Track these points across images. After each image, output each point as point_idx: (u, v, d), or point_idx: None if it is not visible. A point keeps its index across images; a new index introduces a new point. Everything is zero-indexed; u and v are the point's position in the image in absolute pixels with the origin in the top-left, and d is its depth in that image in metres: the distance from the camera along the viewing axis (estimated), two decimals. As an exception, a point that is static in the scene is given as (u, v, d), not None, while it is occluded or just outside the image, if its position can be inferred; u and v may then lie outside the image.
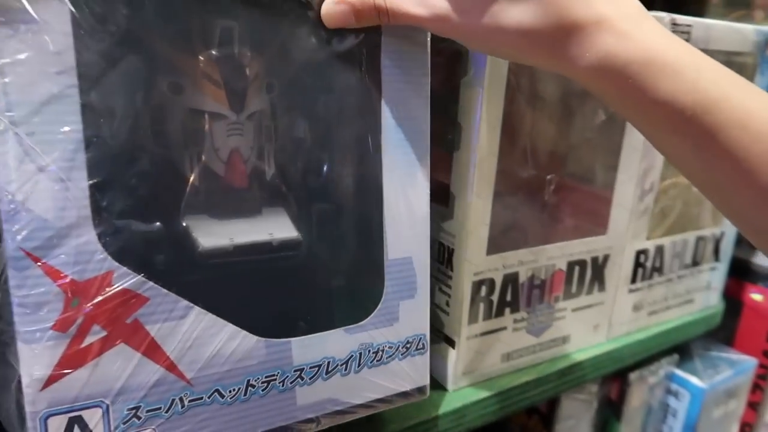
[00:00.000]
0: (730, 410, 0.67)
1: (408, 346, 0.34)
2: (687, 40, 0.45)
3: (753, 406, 0.72)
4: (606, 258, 0.48)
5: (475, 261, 0.39)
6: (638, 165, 0.48)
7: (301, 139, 0.31)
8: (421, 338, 0.34)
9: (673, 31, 0.45)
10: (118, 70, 0.24)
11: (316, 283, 0.31)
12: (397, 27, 0.30)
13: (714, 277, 0.61)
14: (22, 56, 0.22)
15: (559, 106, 0.45)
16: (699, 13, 0.73)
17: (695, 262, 0.58)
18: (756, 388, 0.71)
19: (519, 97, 0.42)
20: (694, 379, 0.62)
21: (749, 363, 0.66)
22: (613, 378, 0.60)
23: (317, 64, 0.30)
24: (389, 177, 0.32)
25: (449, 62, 0.37)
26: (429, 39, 0.32)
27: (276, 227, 0.30)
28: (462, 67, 0.36)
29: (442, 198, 0.39)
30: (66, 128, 0.23)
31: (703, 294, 0.60)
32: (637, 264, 0.51)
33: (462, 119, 0.37)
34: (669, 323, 0.57)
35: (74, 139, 0.23)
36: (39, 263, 0.23)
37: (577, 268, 0.46)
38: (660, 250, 0.54)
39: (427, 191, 0.33)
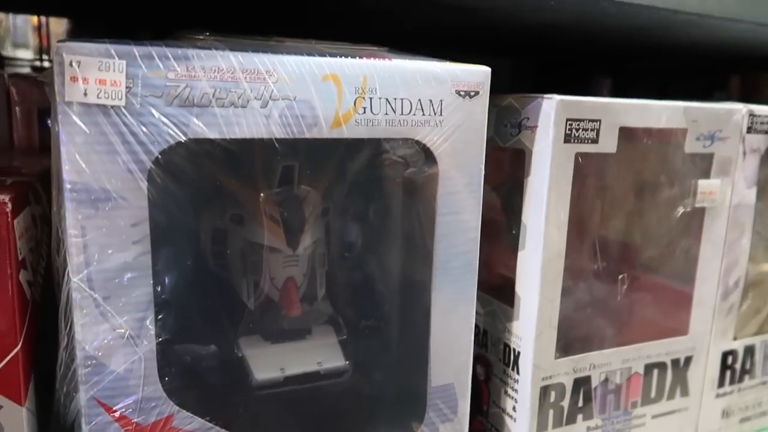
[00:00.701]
0: None
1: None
2: (766, 132, 0.44)
3: None
4: (688, 360, 0.45)
5: (543, 365, 0.37)
6: (720, 261, 0.45)
7: (352, 262, 0.33)
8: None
9: (751, 124, 0.44)
10: (187, 226, 0.27)
11: (360, 408, 0.32)
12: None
13: None
14: (102, 230, 0.25)
15: (630, 197, 0.44)
16: None
17: None
18: None
19: (587, 192, 0.41)
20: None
21: None
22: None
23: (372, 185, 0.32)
24: (436, 300, 0.33)
25: (514, 158, 0.37)
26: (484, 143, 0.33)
27: (324, 353, 0.31)
28: (526, 166, 0.36)
29: (508, 297, 0.38)
30: (137, 292, 0.25)
31: None
32: (724, 366, 0.48)
33: (526, 219, 0.37)
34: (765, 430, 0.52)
35: (145, 302, 0.26)
36: (110, 412, 0.25)
37: (656, 371, 0.43)
38: (750, 350, 0.49)
39: (473, 316, 0.34)
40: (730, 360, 0.48)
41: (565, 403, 0.39)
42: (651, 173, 0.43)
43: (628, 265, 0.44)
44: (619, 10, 0.37)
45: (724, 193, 0.44)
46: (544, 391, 0.38)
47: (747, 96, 0.72)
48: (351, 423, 0.34)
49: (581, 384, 0.40)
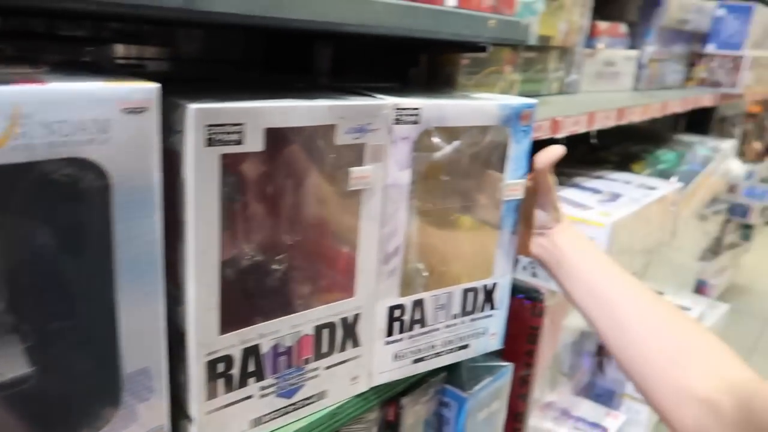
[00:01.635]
0: (494, 410, 0.78)
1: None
2: (415, 123, 0.52)
3: (522, 397, 0.88)
4: (356, 317, 0.54)
5: (207, 341, 0.42)
6: (378, 231, 0.54)
7: (36, 271, 0.35)
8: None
9: (398, 116, 0.52)
10: None
11: (49, 410, 0.35)
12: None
13: (491, 323, 0.65)
14: None
15: (292, 185, 0.50)
16: (451, 76, 0.84)
17: (467, 312, 0.63)
18: (523, 382, 0.86)
19: (247, 185, 0.46)
20: (458, 391, 0.73)
21: (506, 368, 0.78)
22: (390, 402, 0.66)
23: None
24: (123, 297, 0.38)
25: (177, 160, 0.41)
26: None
27: (5, 363, 0.33)
28: (180, 169, 0.40)
29: (176, 281, 0.42)
30: None
31: (479, 339, 0.65)
32: (392, 318, 0.57)
33: (182, 215, 0.40)
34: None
35: None
36: None
37: (326, 331, 0.51)
38: (419, 303, 0.59)
39: (161, 305, 0.40)
40: (397, 313, 0.58)
41: (235, 371, 0.45)
42: (308, 164, 0.49)
43: (291, 243, 0.51)
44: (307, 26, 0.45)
45: (377, 176, 0.52)
46: (212, 364, 0.43)
47: (432, 72, 0.85)
48: (39, 427, 0.38)
49: (250, 353, 0.46)
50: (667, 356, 0.51)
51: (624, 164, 1.25)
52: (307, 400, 0.52)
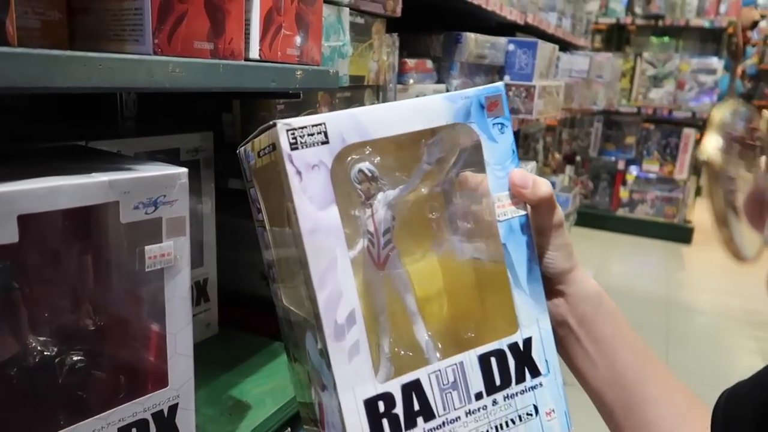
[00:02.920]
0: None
1: None
2: (324, 142, 0.38)
3: None
4: (173, 409, 0.48)
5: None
6: (189, 310, 0.49)
7: None
8: None
9: (295, 140, 0.37)
10: None
11: None
12: None
13: (542, 396, 0.45)
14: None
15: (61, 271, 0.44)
16: (266, 120, 0.83)
17: (497, 387, 0.44)
18: None
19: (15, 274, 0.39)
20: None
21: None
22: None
23: None
24: None
25: None
26: None
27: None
28: None
29: None
30: None
31: (531, 424, 0.45)
32: (375, 416, 0.40)
33: None
34: None
35: None
36: None
37: (134, 431, 0.45)
38: (414, 387, 0.41)
39: None
40: (381, 407, 0.39)
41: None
42: (86, 246, 0.43)
43: (92, 330, 0.44)
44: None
45: (181, 251, 0.47)
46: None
47: (246, 116, 0.83)
48: None
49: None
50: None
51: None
52: None
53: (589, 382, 0.49)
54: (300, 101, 0.88)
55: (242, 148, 0.45)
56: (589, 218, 4.29)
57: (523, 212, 0.43)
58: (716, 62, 4.08)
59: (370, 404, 0.37)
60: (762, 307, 3.10)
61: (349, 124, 0.38)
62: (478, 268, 0.47)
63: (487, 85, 0.44)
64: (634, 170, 4.35)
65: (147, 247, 0.45)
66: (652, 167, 4.29)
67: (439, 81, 1.38)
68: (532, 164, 1.42)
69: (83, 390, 0.47)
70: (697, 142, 4.23)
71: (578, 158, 4.46)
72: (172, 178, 0.46)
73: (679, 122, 4.21)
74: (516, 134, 2.30)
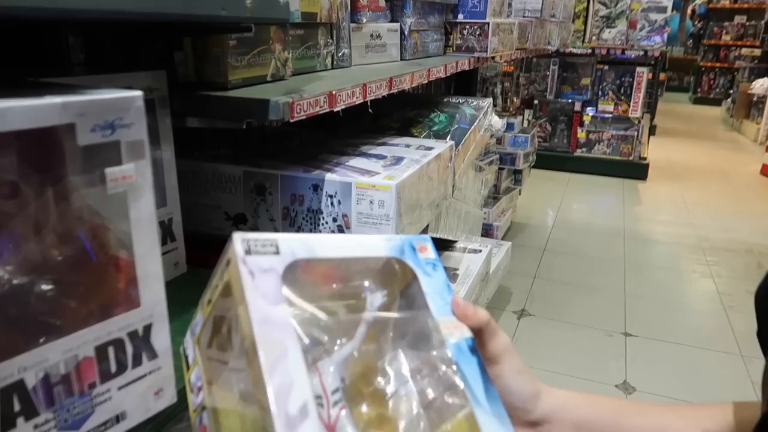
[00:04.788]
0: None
1: None
2: (276, 253, 0.39)
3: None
4: (147, 328, 0.50)
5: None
6: (155, 232, 0.50)
7: None
8: None
9: (249, 248, 0.39)
10: None
11: None
12: None
13: None
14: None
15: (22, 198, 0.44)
16: (219, 58, 0.82)
17: None
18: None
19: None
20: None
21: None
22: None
23: None
24: None
25: None
26: None
27: None
28: None
29: None
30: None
31: None
32: None
33: None
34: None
35: None
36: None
37: (111, 349, 0.47)
38: None
39: None
40: None
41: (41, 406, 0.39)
42: (46, 174, 0.44)
43: (59, 259, 0.45)
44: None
45: (142, 176, 0.48)
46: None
47: (198, 55, 0.82)
48: None
49: (13, 390, 0.40)
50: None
51: (404, 129, 1.34)
52: (102, 426, 0.47)
53: None
54: (252, 38, 0.87)
55: (187, 334, 0.46)
56: (548, 160, 4.38)
57: (469, 335, 0.44)
58: (666, 0, 4.13)
59: None
60: (713, 234, 3.26)
61: (299, 244, 0.41)
62: (429, 415, 0.45)
63: (419, 236, 0.47)
64: (590, 111, 4.43)
65: (108, 170, 0.45)
66: (608, 107, 4.38)
67: (393, 20, 1.37)
68: (489, 100, 1.44)
69: (56, 318, 0.48)
70: (650, 80, 4.32)
71: (536, 102, 4.51)
72: (127, 101, 0.46)
73: (632, 62, 4.28)
74: (473, 77, 2.32)
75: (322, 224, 0.89)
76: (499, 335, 0.46)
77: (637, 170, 4.38)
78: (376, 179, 0.86)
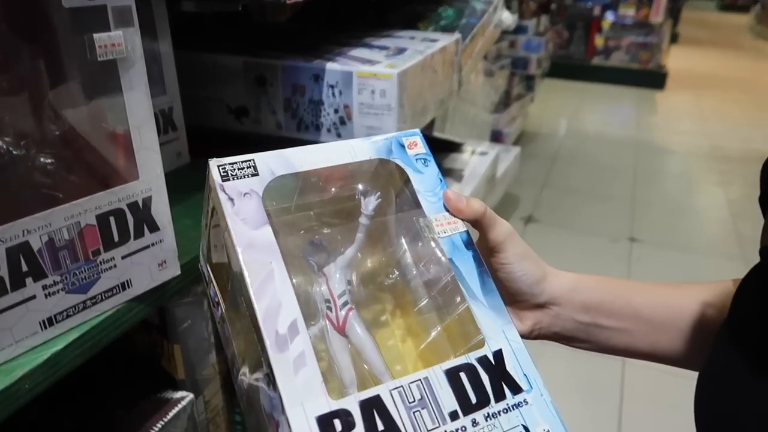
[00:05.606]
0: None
1: None
2: (254, 175, 0.41)
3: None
4: (147, 201, 0.50)
5: (-46, 246, 0.37)
6: (148, 101, 0.50)
7: None
8: None
9: (225, 173, 0.40)
10: None
11: None
12: None
13: (530, 415, 0.38)
14: None
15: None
16: None
17: (474, 406, 0.39)
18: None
19: None
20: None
21: None
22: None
23: None
24: None
25: None
26: None
27: None
28: None
29: None
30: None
31: None
32: None
33: None
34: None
35: None
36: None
37: (113, 219, 0.48)
38: (374, 404, 0.33)
39: None
40: (338, 426, 0.34)
41: (3, 273, 0.40)
42: (36, 44, 0.43)
43: (57, 133, 0.45)
44: None
45: (131, 43, 0.47)
46: (-29, 270, 0.38)
47: None
48: None
49: (19, 251, 0.41)
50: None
51: (410, 23, 1.29)
52: (109, 292, 0.49)
53: (638, 347, 0.50)
54: None
55: (200, 255, 0.49)
56: (564, 69, 4.24)
57: (463, 229, 0.43)
58: None
59: (324, 422, 0.32)
60: (728, 144, 3.21)
61: (277, 160, 0.41)
62: (441, 304, 0.45)
63: (404, 131, 0.46)
64: (610, 16, 4.23)
65: (96, 35, 0.44)
66: (629, 11, 4.17)
67: None
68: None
69: (56, 190, 0.49)
70: (676, -19, 4.08)
71: (553, 6, 4.30)
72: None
73: (658, -39, 4.03)
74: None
75: (324, 115, 0.88)
76: (498, 223, 0.45)
77: (655, 79, 4.25)
78: (377, 68, 0.84)
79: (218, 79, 0.93)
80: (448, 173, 1.51)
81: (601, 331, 0.49)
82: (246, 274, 0.36)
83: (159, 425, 0.61)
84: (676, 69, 4.47)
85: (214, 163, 0.39)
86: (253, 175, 0.39)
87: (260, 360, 0.36)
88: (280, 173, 0.40)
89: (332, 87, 0.85)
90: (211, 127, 0.95)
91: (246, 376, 0.41)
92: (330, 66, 0.85)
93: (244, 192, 0.39)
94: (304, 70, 0.86)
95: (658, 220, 2.38)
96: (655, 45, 4.19)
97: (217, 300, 0.46)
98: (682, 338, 0.49)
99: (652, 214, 2.43)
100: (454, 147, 1.65)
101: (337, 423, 0.32)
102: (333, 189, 0.46)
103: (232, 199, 0.38)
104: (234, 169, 0.39)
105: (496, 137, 2.38)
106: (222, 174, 0.39)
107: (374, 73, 0.83)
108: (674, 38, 4.43)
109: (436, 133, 1.74)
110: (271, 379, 0.34)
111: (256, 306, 0.35)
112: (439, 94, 1.05)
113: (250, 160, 0.40)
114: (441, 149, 1.63)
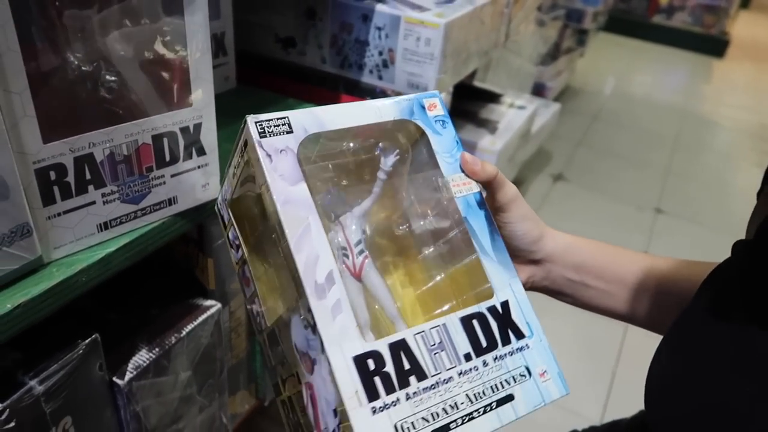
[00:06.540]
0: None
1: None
2: (289, 132, 0.42)
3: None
4: (197, 127, 0.55)
5: (32, 151, 0.42)
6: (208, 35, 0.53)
7: None
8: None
9: (263, 129, 0.42)
10: None
11: None
12: None
13: (532, 357, 0.44)
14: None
15: None
16: None
17: (484, 349, 0.44)
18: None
19: None
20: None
21: None
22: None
23: None
24: None
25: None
26: None
27: None
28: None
29: None
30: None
31: (526, 386, 0.44)
32: (366, 374, 0.38)
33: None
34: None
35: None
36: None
37: (166, 140, 0.52)
38: (401, 346, 0.41)
39: None
40: (372, 365, 0.38)
41: (71, 179, 0.46)
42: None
43: (122, 55, 0.49)
44: None
45: (196, -23, 0.50)
46: (44, 171, 0.44)
47: None
48: None
49: (84, 161, 0.46)
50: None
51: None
52: (157, 206, 0.54)
53: (617, 310, 0.54)
54: None
55: (218, 197, 0.51)
56: (620, 24, 4.06)
57: (476, 190, 0.47)
58: None
59: (360, 361, 0.36)
60: (779, 124, 3.09)
61: (309, 118, 0.43)
62: (446, 253, 0.50)
63: (425, 93, 0.48)
64: (680, -28, 3.99)
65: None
66: (701, -31, 3.93)
67: None
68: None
69: (118, 107, 0.53)
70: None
71: (621, -45, 4.07)
72: None
73: None
74: None
75: (368, 56, 0.89)
76: (506, 186, 0.49)
77: (716, 46, 4.05)
78: (425, 15, 0.85)
79: (270, 7, 0.95)
80: (482, 124, 1.52)
81: (587, 289, 0.54)
82: (286, 228, 0.39)
83: (189, 327, 0.68)
84: (740, 37, 4.25)
85: (252, 120, 0.41)
86: (287, 132, 0.41)
87: (295, 304, 0.40)
88: (313, 131, 0.43)
89: (379, 29, 0.87)
90: (258, 54, 0.98)
91: (266, 327, 0.46)
92: (380, 8, 0.86)
93: (280, 149, 0.41)
94: (354, 8, 0.87)
95: (689, 194, 2.36)
96: (722, 9, 3.97)
97: (238, 243, 0.49)
98: (659, 307, 0.53)
99: (685, 187, 2.40)
100: (492, 97, 1.64)
101: (371, 362, 0.37)
102: (352, 145, 0.49)
103: (270, 156, 0.40)
104: (270, 126, 0.41)
105: (539, 90, 2.34)
106: (259, 131, 0.41)
107: (422, 20, 0.84)
108: (745, 2, 4.17)
109: (477, 82, 1.73)
110: (310, 323, 0.37)
111: (296, 257, 0.38)
112: (484, 46, 1.05)
113: (284, 117, 0.42)
114: (478, 98, 1.63)
